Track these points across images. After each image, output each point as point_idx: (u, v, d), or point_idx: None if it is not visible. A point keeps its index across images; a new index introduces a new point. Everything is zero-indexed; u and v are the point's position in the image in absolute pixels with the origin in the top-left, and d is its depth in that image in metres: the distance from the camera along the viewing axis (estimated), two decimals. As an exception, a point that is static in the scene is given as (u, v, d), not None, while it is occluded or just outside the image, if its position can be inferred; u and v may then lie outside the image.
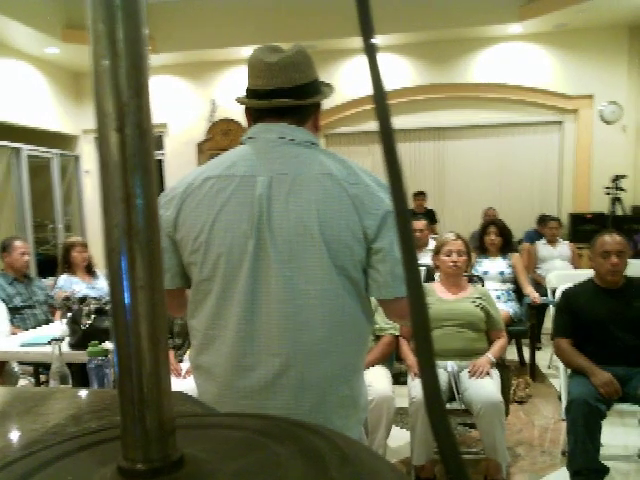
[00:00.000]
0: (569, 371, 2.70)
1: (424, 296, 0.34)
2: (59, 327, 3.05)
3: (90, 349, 2.00)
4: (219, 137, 7.01)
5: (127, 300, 0.35)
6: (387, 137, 0.34)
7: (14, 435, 0.65)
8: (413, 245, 0.33)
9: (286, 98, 1.18)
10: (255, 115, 1.23)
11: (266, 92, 1.19)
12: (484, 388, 2.50)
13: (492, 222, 4.49)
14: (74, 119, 7.27)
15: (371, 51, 0.33)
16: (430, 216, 6.47)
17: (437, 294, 2.87)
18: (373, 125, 7.15)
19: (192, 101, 7.19)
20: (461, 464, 0.31)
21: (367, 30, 0.33)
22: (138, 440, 0.36)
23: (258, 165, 1.16)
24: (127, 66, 0.34)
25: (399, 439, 2.98)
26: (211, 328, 1.18)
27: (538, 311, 4.19)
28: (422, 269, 3.81)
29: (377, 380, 2.56)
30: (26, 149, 6.30)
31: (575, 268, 4.90)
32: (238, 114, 6.83)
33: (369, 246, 1.15)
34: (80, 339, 2.68)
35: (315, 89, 1.23)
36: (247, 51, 6.89)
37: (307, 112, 1.23)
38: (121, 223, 0.34)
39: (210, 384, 1.20)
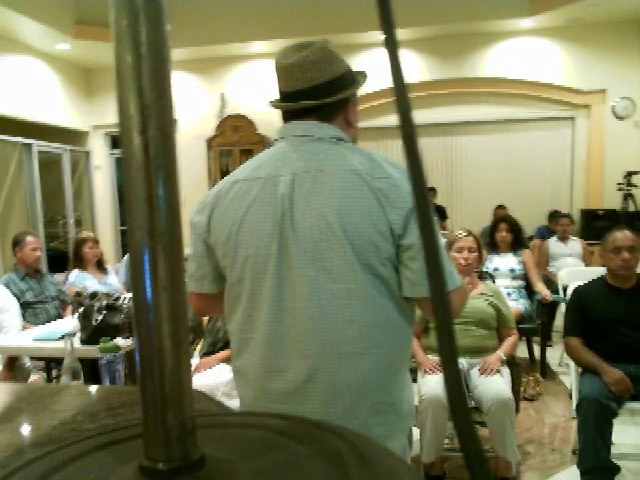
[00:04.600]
0: (580, 369, 2.69)
1: (447, 292, 0.33)
2: (70, 322, 3.08)
3: (102, 345, 2.01)
4: (229, 133, 7.02)
5: (149, 300, 0.35)
6: (408, 131, 0.34)
7: (33, 432, 0.66)
8: (436, 239, 0.33)
9: (306, 99, 1.16)
10: (284, 117, 1.24)
11: (287, 94, 1.19)
12: (494, 386, 2.50)
13: (503, 218, 4.46)
14: (85, 115, 7.30)
15: (392, 45, 0.33)
16: (440, 212, 6.45)
17: (447, 291, 2.86)
18: (383, 121, 7.17)
19: (202, 96, 7.20)
20: (484, 462, 0.31)
21: (388, 23, 0.33)
22: (160, 439, 0.36)
23: (282, 165, 1.15)
24: (150, 68, 0.34)
25: (408, 436, 2.98)
26: (244, 331, 1.17)
27: (549, 308, 4.16)
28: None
29: (387, 377, 2.56)
30: (37, 145, 6.34)
31: (586, 265, 4.87)
32: (248, 110, 6.84)
33: (398, 243, 1.10)
34: (91, 335, 2.70)
35: (342, 84, 1.19)
36: (257, 46, 6.88)
37: (334, 109, 1.20)
38: (144, 224, 0.35)
39: (247, 388, 1.19)
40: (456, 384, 0.31)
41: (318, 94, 1.17)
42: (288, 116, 1.22)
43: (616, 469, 2.39)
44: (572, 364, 2.80)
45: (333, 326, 1.09)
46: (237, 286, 1.17)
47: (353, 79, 1.23)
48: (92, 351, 2.55)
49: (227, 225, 1.15)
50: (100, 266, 4.13)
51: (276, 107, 1.24)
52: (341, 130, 1.21)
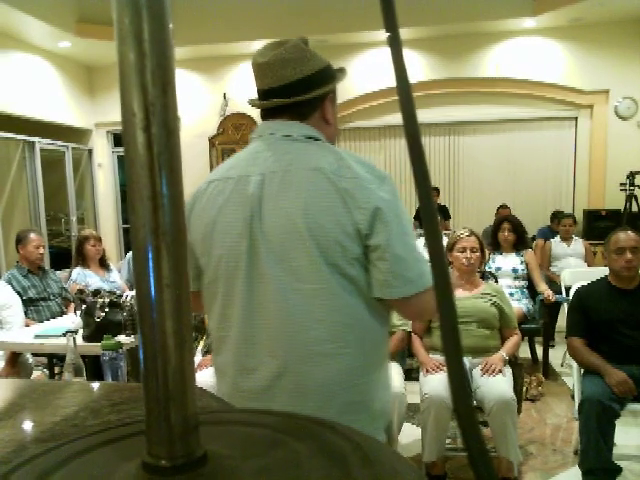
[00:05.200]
0: (582, 370, 2.69)
1: (452, 292, 0.33)
2: (73, 319, 3.09)
3: (104, 342, 2.02)
4: (231, 131, 7.03)
5: (153, 298, 0.35)
6: (412, 130, 0.34)
7: (35, 428, 0.66)
8: (440, 240, 0.33)
9: (279, 97, 1.16)
10: (261, 115, 1.24)
11: (262, 92, 1.19)
12: (496, 386, 2.49)
13: (506, 218, 4.46)
14: (87, 113, 7.31)
15: (396, 44, 0.33)
16: (443, 212, 6.45)
17: (449, 291, 2.85)
18: (385, 120, 7.16)
19: (204, 95, 7.21)
20: (488, 462, 0.31)
21: (392, 23, 0.33)
22: (163, 436, 0.36)
23: (252, 165, 1.16)
24: (153, 65, 0.34)
25: (410, 436, 2.99)
26: (220, 330, 1.18)
27: (551, 309, 4.16)
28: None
29: (388, 376, 2.56)
30: (39, 142, 6.35)
31: (588, 266, 4.86)
32: (250, 109, 6.83)
33: (365, 243, 1.09)
34: (94, 332, 2.70)
35: (317, 82, 1.17)
36: (259, 45, 6.85)
37: (309, 107, 1.19)
38: (148, 222, 0.35)
39: (223, 384, 1.21)
40: (461, 384, 0.31)
41: (291, 92, 1.16)
42: (264, 114, 1.22)
43: (618, 470, 2.39)
44: (574, 365, 2.80)
45: (301, 326, 1.10)
46: (213, 285, 1.18)
47: (331, 76, 1.21)
48: (94, 348, 2.56)
49: (203, 224, 1.17)
50: (102, 264, 4.14)
51: (253, 105, 1.24)
52: (316, 129, 1.20)
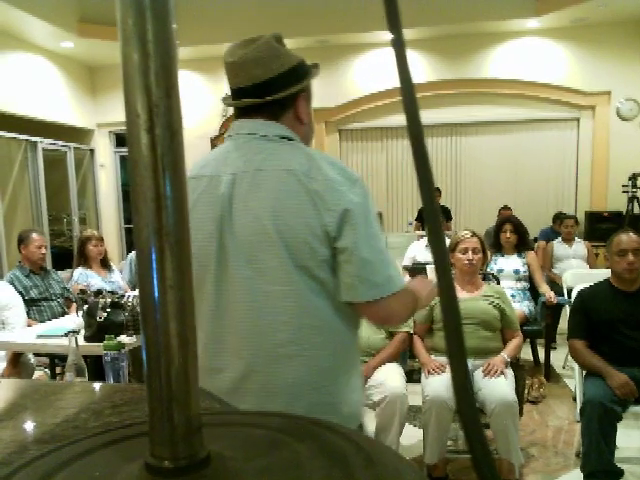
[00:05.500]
0: (584, 372, 2.68)
1: (455, 293, 0.33)
2: (74, 320, 3.09)
3: (106, 343, 2.02)
4: (233, 132, 7.03)
5: (157, 299, 0.35)
6: (415, 131, 0.33)
7: (37, 429, 0.66)
8: (442, 241, 0.33)
9: (249, 97, 1.15)
10: (235, 114, 1.23)
11: (234, 91, 1.18)
12: (498, 388, 2.49)
13: (508, 219, 4.45)
14: (89, 113, 7.32)
15: (399, 45, 0.33)
16: (445, 213, 6.44)
17: (451, 292, 2.85)
18: (387, 121, 7.15)
19: (206, 96, 7.21)
20: (491, 464, 0.31)
21: (395, 24, 0.33)
22: (166, 438, 0.36)
23: (224, 164, 1.15)
24: (157, 66, 0.34)
25: (411, 437, 2.98)
26: None
27: (553, 310, 4.15)
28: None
29: (390, 377, 2.56)
30: (42, 142, 6.36)
31: (590, 267, 4.85)
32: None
33: (334, 245, 1.08)
34: (95, 332, 2.70)
35: (288, 80, 1.15)
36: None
37: (282, 106, 1.17)
38: (151, 223, 0.35)
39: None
40: (464, 385, 0.31)
41: (261, 92, 1.14)
42: (238, 113, 1.21)
43: (620, 473, 2.38)
44: (576, 367, 2.79)
45: (267, 328, 1.09)
46: None
47: (303, 74, 1.19)
48: (96, 348, 2.56)
49: None
50: (104, 264, 4.14)
51: (225, 104, 1.24)
52: (290, 128, 1.18)
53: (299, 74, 1.18)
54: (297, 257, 1.07)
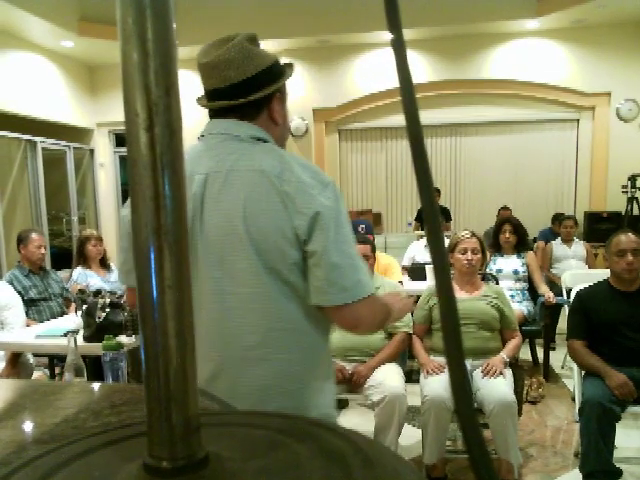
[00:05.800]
0: (583, 372, 2.68)
1: (453, 293, 0.33)
2: (73, 320, 3.08)
3: (105, 343, 2.02)
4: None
5: (155, 299, 0.35)
6: (415, 131, 0.33)
7: (36, 429, 0.66)
8: (442, 241, 0.33)
9: (223, 98, 1.14)
10: (209, 114, 1.22)
11: (208, 92, 1.18)
12: (497, 388, 2.49)
13: (507, 220, 4.45)
14: (89, 112, 7.32)
15: (399, 45, 0.33)
16: (444, 214, 6.45)
17: (450, 292, 2.85)
18: (387, 121, 7.14)
19: (206, 96, 7.21)
20: (488, 462, 0.31)
21: (395, 24, 0.33)
22: (164, 438, 0.36)
23: (197, 164, 1.14)
24: (157, 65, 0.34)
25: (410, 437, 2.98)
26: None
27: (552, 311, 4.15)
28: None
29: (389, 378, 2.56)
30: (41, 142, 6.36)
31: (589, 268, 4.85)
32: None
33: (304, 248, 1.07)
34: (94, 332, 2.70)
35: (262, 81, 1.14)
36: (262, 46, 6.87)
37: (256, 106, 1.16)
38: (150, 222, 0.35)
39: None
40: (462, 386, 0.31)
41: (234, 93, 1.14)
42: (213, 114, 1.21)
43: (618, 473, 2.38)
44: (575, 367, 2.79)
45: (237, 330, 1.08)
46: None
47: (277, 74, 1.18)
48: (95, 348, 2.55)
49: None
50: (104, 264, 4.14)
51: (200, 105, 1.23)
52: (264, 129, 1.17)
53: (273, 75, 1.17)
54: (267, 259, 1.07)
